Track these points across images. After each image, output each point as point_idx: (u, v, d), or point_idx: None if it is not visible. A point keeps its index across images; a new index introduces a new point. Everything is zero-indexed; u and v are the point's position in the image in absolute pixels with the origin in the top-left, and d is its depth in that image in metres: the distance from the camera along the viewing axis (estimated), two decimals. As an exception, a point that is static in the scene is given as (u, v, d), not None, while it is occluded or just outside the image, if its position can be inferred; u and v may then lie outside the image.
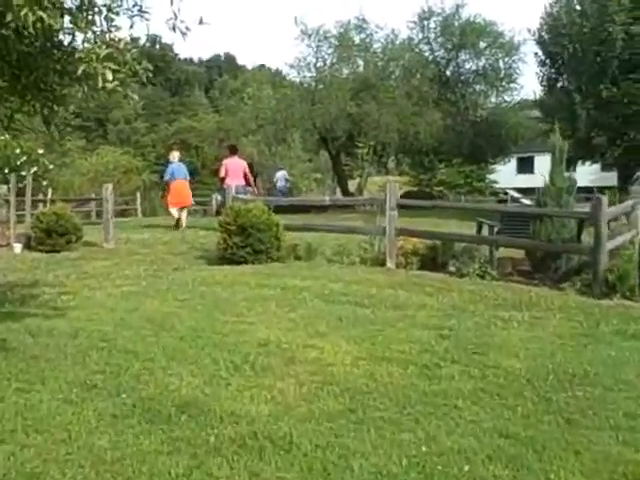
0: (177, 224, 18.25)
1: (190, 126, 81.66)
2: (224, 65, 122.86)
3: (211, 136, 29.43)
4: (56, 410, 4.75)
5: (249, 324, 7.19)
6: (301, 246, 12.25)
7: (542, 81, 25.56)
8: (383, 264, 11.19)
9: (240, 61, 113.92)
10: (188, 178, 19.24)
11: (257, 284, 9.42)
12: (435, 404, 4.91)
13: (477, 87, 28.85)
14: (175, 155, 19.59)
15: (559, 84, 24.88)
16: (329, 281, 9.73)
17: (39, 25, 4.74)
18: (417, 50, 27.10)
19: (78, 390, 5.12)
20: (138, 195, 35.50)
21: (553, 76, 24.78)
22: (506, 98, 29.02)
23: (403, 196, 35.72)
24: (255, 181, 20.94)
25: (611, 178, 31.76)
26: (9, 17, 4.72)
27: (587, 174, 46.06)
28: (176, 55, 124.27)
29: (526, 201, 57.96)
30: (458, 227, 14.29)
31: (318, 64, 26.00)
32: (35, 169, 32.78)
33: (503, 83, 28.21)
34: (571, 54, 23.75)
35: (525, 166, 57.21)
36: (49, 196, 27.14)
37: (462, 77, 28.60)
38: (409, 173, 53.74)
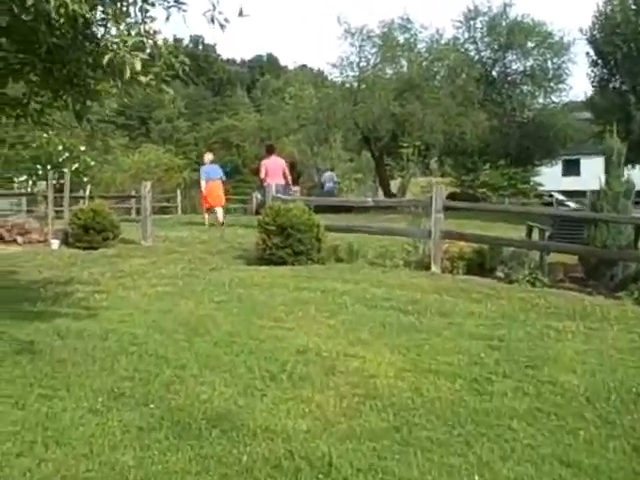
0: (213, 224, 18.67)
1: (231, 125, 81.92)
2: (266, 65, 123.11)
3: (252, 135, 29.19)
4: (79, 420, 4.44)
5: (287, 330, 6.83)
6: (342, 247, 11.87)
7: (593, 82, 24.80)
8: (428, 268, 10.75)
9: (282, 61, 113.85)
10: (223, 178, 19.70)
11: (296, 287, 9.06)
12: (487, 424, 4.51)
13: (524, 88, 28.15)
14: (208, 157, 20.29)
15: (612, 85, 24.07)
16: (371, 285, 9.35)
17: (63, 11, 4.43)
18: (462, 50, 26.49)
19: (104, 398, 4.81)
20: (178, 193, 35.40)
21: (605, 77, 23.98)
22: (554, 99, 28.32)
23: (447, 198, 35.41)
24: (298, 181, 22.08)
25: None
26: (30, 1, 4.42)
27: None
28: (219, 55, 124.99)
29: (571, 204, 57.10)
30: (505, 231, 13.78)
31: (361, 64, 25.62)
32: (76, 165, 33.03)
33: (551, 84, 27.46)
34: (625, 54, 22.93)
35: (571, 168, 56.15)
36: (87, 192, 27.17)
37: (509, 78, 27.92)
38: (451, 174, 52.81)
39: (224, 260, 11.84)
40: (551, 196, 60.91)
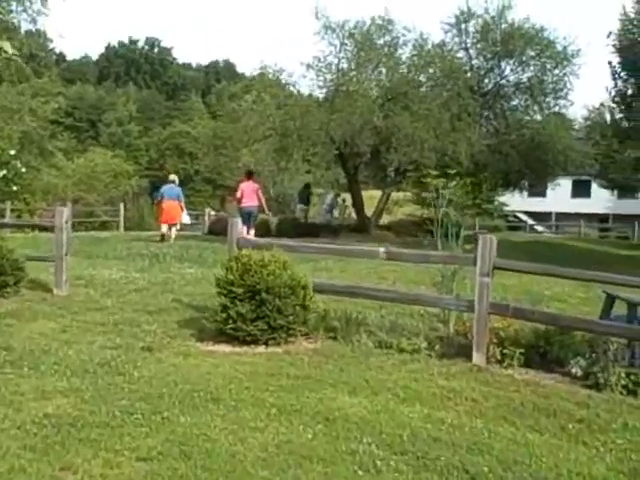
0: (162, 238, 19.95)
1: (185, 131, 78.13)
2: (223, 71, 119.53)
3: (206, 144, 25.80)
4: None
5: None
6: (335, 315, 8.38)
7: (615, 97, 21.73)
8: (465, 355, 7.32)
9: (239, 68, 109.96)
10: (180, 199, 20.89)
11: (280, 406, 5.52)
12: None
13: (521, 102, 24.97)
14: (171, 177, 21.62)
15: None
16: (395, 398, 5.90)
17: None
18: (450, 57, 23.13)
19: None
20: (122, 206, 31.42)
21: (633, 91, 20.69)
22: (549, 115, 25.07)
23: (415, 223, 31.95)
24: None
25: None
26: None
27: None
28: (174, 59, 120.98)
29: (540, 227, 54.64)
30: (551, 287, 10.44)
31: (341, 65, 22.04)
32: (4, 172, 28.97)
33: (548, 99, 24.35)
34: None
35: (581, 190, 53.86)
36: (7, 210, 23.23)
37: (503, 90, 24.71)
38: (409, 190, 48.47)
39: (165, 328, 8.21)
40: (515, 217, 58.46)
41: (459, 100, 21.94)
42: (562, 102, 24.54)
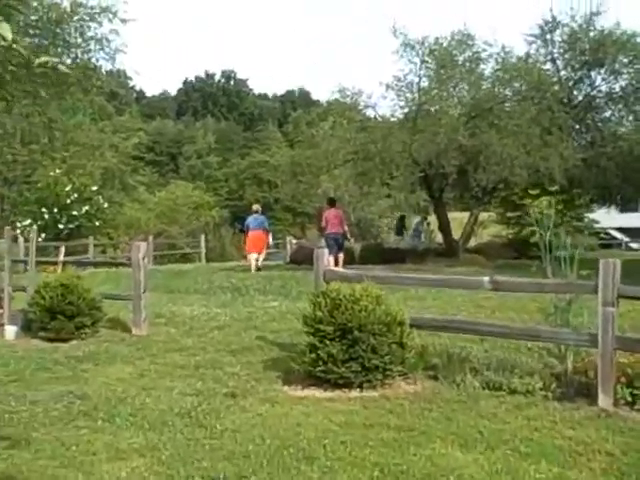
0: (257, 268, 20.59)
1: (263, 161, 78.50)
2: (298, 100, 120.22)
3: (285, 171, 25.45)
4: None
5: None
6: (434, 351, 7.58)
7: None
8: (585, 395, 6.42)
9: (315, 96, 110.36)
10: (266, 228, 21.87)
11: (381, 464, 4.77)
12: None
13: (614, 112, 23.57)
14: (255, 207, 22.44)
15: None
16: (516, 453, 5.06)
17: None
18: (536, 69, 21.99)
19: None
20: (202, 238, 31.25)
21: None
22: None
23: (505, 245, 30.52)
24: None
25: None
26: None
27: None
28: (250, 90, 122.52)
29: (635, 245, 52.22)
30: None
31: (422, 83, 21.26)
32: (87, 208, 29.22)
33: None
34: None
35: None
36: (91, 245, 23.09)
37: (595, 101, 23.40)
38: (493, 210, 47.09)
39: (249, 370, 7.57)
40: (607, 234, 56.05)
41: (549, 114, 20.80)
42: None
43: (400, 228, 26.54)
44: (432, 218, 27.53)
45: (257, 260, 20.93)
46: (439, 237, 27.21)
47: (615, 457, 5.02)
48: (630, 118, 23.67)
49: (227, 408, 6.19)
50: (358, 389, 6.67)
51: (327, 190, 28.17)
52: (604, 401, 6.22)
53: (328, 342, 6.64)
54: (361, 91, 22.57)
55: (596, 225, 51.83)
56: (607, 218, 47.66)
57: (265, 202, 73.66)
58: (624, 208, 40.82)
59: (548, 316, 7.05)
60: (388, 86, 21.52)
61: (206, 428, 5.61)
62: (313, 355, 6.73)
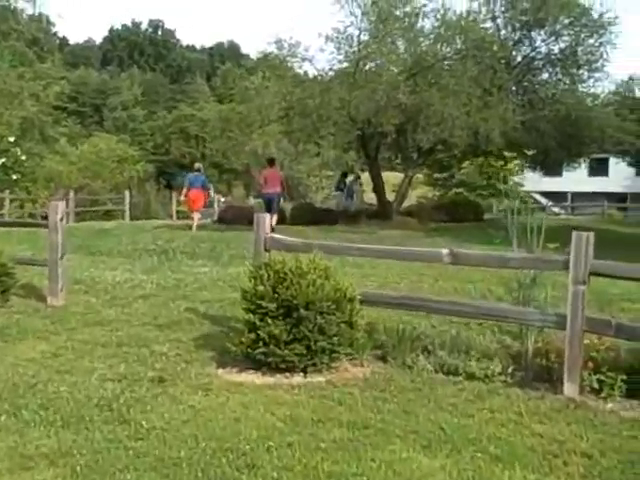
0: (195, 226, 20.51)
1: (190, 114, 76.54)
2: (227, 53, 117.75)
3: (216, 127, 24.36)
4: None
5: None
6: (383, 328, 6.95)
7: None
8: (545, 379, 5.93)
9: (244, 49, 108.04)
10: (207, 187, 21.76)
11: (337, 474, 4.11)
12: None
13: (552, 75, 23.21)
14: (196, 165, 22.54)
15: None
16: (486, 456, 4.47)
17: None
18: (477, 28, 21.30)
19: None
20: (127, 194, 29.92)
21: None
22: (584, 89, 23.31)
23: (438, 207, 29.99)
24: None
25: None
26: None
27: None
28: (178, 41, 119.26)
29: (556, 209, 52.92)
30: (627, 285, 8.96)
31: (363, 37, 20.31)
32: (3, 160, 27.55)
33: (581, 71, 22.57)
34: None
35: (599, 169, 51.74)
36: (7, 200, 21.68)
37: (535, 62, 22.93)
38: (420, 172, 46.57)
39: (179, 349, 6.80)
40: (531, 197, 56.60)
41: (490, 74, 20.26)
42: (597, 75, 22.75)
43: (342, 185, 25.87)
44: (363, 177, 26.96)
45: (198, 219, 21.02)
46: (368, 197, 26.72)
47: (593, 459, 4.49)
48: (567, 81, 23.38)
49: (154, 398, 5.42)
50: (302, 373, 6.01)
51: (254, 148, 27.28)
52: (570, 389, 5.71)
53: (270, 321, 5.92)
54: (298, 42, 21.60)
55: (521, 189, 52.27)
56: (531, 182, 48.01)
57: (192, 157, 72.23)
58: (548, 172, 40.96)
59: (510, 292, 6.48)
60: (328, 38, 20.58)
61: (130, 425, 4.84)
62: (252, 335, 6.02)
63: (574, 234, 5.68)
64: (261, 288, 6.02)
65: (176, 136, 77.44)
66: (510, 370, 6.16)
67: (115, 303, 8.80)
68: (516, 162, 6.49)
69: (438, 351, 6.53)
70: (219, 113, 26.70)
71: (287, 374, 5.97)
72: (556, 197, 55.69)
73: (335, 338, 6.00)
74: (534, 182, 47.60)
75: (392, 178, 36.52)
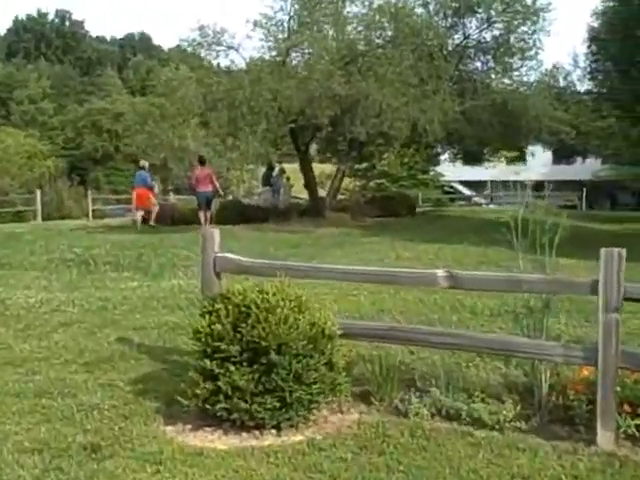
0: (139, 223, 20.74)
1: (103, 108, 73.83)
2: (138, 44, 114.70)
3: (135, 121, 22.78)
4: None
5: None
6: (365, 367, 5.79)
7: (593, 61, 19.32)
8: (563, 421, 4.92)
9: (156, 41, 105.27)
10: (151, 186, 21.76)
11: None
12: None
13: (484, 64, 22.52)
14: (141, 163, 22.40)
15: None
16: None
17: None
18: (411, 14, 20.37)
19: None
20: (38, 193, 27.89)
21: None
22: (517, 77, 22.73)
23: (369, 202, 28.84)
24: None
25: None
26: None
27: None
28: (87, 32, 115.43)
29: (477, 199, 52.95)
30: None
31: (292, 24, 18.97)
32: None
33: (513, 60, 21.94)
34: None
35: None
36: None
37: (467, 50, 22.19)
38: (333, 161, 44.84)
39: (114, 399, 5.48)
40: (452, 187, 56.57)
41: (427, 62, 19.33)
42: (530, 63, 22.17)
43: (268, 179, 24.42)
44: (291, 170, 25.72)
45: (141, 216, 21.11)
46: (297, 191, 25.58)
47: None
48: (499, 70, 22.75)
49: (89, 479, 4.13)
50: (274, 430, 4.80)
51: (171, 141, 25.79)
52: (604, 438, 4.68)
53: (232, 368, 4.69)
54: (224, 29, 20.12)
55: (442, 179, 52.09)
56: (451, 171, 47.70)
57: (105, 151, 69.57)
58: (468, 161, 40.59)
59: (518, 320, 5.40)
60: (256, 23, 19.17)
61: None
62: (209, 385, 4.78)
63: (603, 251, 4.64)
64: (219, 327, 4.77)
65: (88, 130, 74.50)
66: (519, 410, 5.12)
67: (30, 334, 7.36)
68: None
69: (431, 388, 5.43)
70: (133, 106, 25.00)
71: (256, 432, 4.76)
72: (476, 186, 55.82)
73: (315, 386, 4.81)
74: (453, 171, 47.37)
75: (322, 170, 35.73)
